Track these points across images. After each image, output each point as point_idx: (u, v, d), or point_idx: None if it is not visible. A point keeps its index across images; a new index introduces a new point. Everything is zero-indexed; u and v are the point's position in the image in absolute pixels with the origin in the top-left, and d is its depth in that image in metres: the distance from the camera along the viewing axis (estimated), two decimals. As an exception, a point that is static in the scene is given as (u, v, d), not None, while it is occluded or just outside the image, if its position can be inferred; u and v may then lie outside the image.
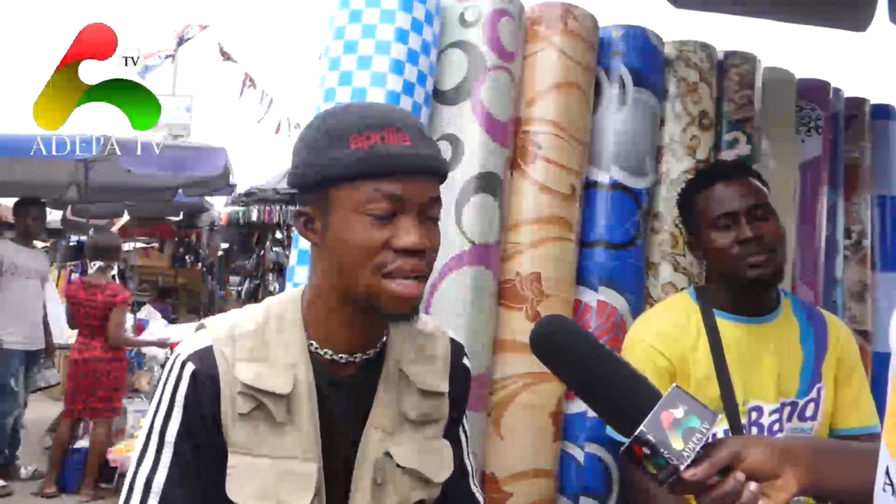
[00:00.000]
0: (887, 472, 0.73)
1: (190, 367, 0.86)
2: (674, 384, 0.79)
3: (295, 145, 0.90)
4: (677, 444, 0.74)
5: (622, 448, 0.79)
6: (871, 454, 0.73)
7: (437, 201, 0.88)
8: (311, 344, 0.91)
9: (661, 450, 0.74)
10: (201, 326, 0.91)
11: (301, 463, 0.87)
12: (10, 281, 4.21)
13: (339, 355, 0.91)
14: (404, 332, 0.98)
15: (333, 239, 0.85)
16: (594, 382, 0.83)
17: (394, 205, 0.83)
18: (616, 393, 0.81)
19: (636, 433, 0.75)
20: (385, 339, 0.95)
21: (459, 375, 1.02)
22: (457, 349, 1.03)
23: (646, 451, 0.75)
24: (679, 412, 0.75)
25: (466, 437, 1.07)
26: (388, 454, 0.91)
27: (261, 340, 0.89)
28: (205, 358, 0.86)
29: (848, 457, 0.84)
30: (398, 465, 0.91)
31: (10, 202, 7.41)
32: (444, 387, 0.98)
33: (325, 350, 0.91)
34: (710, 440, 0.76)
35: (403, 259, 0.83)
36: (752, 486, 0.74)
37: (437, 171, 0.88)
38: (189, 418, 0.85)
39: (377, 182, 0.82)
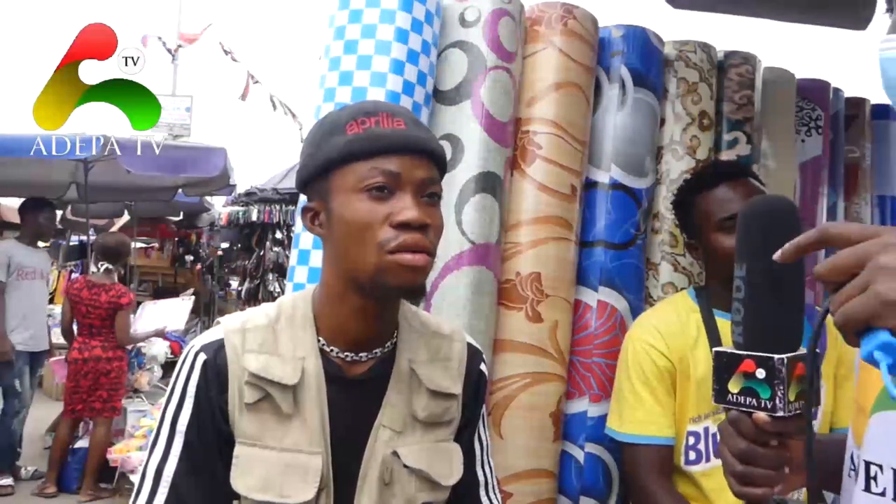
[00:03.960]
0: (852, 459, 0.75)
1: (202, 358, 0.89)
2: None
3: (301, 151, 0.94)
4: (792, 394, 0.68)
5: (720, 350, 0.73)
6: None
7: (434, 182, 0.89)
8: (320, 341, 0.92)
9: (778, 386, 0.68)
10: (218, 323, 0.94)
11: (306, 456, 0.87)
12: (17, 282, 4.21)
13: (346, 354, 0.92)
14: (419, 332, 0.98)
15: (337, 223, 0.87)
16: (781, 279, 0.72)
17: (390, 180, 0.85)
18: (787, 304, 0.72)
19: (777, 355, 0.68)
20: (396, 338, 0.96)
21: (474, 380, 1.02)
22: (474, 354, 1.03)
23: (761, 374, 0.69)
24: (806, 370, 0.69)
25: (482, 446, 1.05)
26: (395, 454, 0.91)
27: (271, 334, 0.91)
28: (216, 349, 0.89)
29: (840, 449, 0.87)
30: (405, 466, 0.91)
31: (10, 202, 7.42)
32: (456, 389, 0.97)
33: (331, 347, 0.92)
34: (813, 414, 0.69)
35: (406, 234, 0.84)
36: (786, 469, 0.74)
37: (431, 151, 0.89)
38: (199, 408, 0.87)
39: (373, 160, 0.85)
